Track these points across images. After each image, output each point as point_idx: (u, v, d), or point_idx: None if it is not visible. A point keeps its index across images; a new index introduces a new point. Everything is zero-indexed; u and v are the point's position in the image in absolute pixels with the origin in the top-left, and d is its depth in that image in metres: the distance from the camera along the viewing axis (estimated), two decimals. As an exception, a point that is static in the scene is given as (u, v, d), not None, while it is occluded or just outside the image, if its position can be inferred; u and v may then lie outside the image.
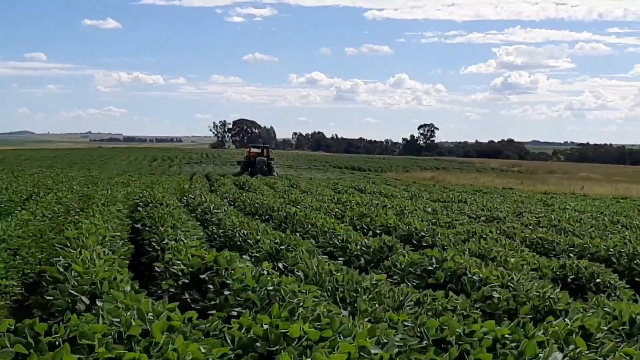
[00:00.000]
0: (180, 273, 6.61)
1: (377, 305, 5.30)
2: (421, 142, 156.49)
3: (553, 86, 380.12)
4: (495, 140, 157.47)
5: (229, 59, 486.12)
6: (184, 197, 20.06)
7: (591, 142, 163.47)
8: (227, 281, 5.94)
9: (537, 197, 30.44)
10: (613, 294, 7.87)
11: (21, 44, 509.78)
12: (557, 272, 8.63)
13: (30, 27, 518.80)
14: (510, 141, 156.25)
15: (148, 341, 3.65)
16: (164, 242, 9.12)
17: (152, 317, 4.04)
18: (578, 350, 4.02)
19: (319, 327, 4.00)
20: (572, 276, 8.45)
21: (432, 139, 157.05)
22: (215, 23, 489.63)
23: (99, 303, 4.57)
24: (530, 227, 15.20)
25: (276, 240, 9.19)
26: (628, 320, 5.20)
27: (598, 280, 8.21)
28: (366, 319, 4.79)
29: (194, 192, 21.62)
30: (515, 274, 7.19)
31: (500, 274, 7.18)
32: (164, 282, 6.73)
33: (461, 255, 8.30)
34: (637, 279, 9.61)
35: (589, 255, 10.54)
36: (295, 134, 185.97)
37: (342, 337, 3.87)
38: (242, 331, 4.04)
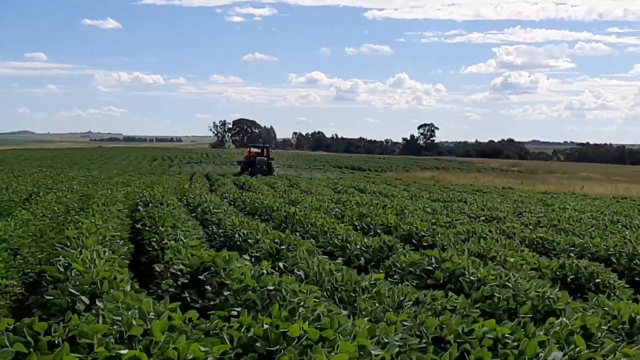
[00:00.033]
0: (179, 273, 6.61)
1: (376, 305, 5.31)
2: (421, 141, 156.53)
3: (553, 86, 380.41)
4: (495, 140, 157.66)
5: (229, 59, 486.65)
6: (184, 197, 20.07)
7: (591, 142, 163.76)
8: (226, 281, 5.94)
9: (537, 197, 30.45)
10: (613, 294, 7.88)
11: (21, 43, 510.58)
12: (557, 272, 8.63)
13: (31, 27, 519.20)
14: (510, 141, 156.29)
15: (148, 340, 3.66)
16: (163, 242, 9.12)
17: (153, 317, 4.05)
18: (578, 349, 4.03)
19: (319, 326, 4.01)
20: (572, 276, 8.45)
21: (432, 138, 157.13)
22: (215, 23, 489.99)
23: (98, 303, 4.57)
24: (530, 226, 15.21)
25: (276, 240, 9.19)
26: (628, 320, 5.20)
27: (598, 280, 8.22)
28: (366, 319, 4.79)
29: (194, 192, 21.63)
30: (514, 274, 7.20)
31: (499, 273, 7.19)
32: (163, 282, 6.73)
33: (460, 255, 8.31)
34: (637, 279, 9.61)
35: (589, 255, 10.55)
36: (295, 133, 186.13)
37: (342, 337, 3.88)
38: (242, 331, 4.04)
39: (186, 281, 6.47)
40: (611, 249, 10.57)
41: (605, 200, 31.49)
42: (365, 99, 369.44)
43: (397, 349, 3.81)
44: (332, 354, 3.56)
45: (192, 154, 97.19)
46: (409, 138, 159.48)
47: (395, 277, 7.99)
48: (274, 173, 48.38)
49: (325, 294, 6.07)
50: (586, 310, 5.58)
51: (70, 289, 5.28)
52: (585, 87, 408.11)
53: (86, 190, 20.31)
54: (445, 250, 9.03)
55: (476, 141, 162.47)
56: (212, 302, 5.74)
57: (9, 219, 10.32)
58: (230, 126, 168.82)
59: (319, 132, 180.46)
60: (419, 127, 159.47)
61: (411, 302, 5.63)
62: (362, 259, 9.46)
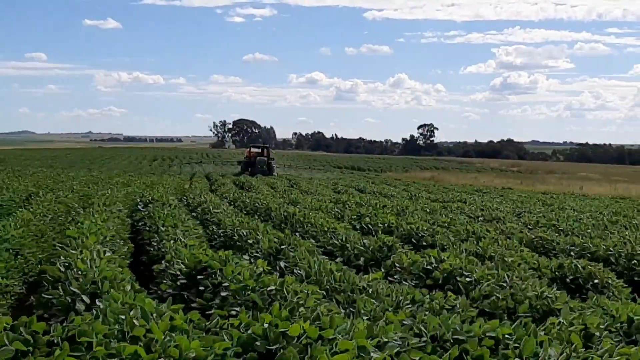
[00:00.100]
0: (178, 273, 6.64)
1: (375, 305, 5.33)
2: (421, 142, 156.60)
3: (552, 86, 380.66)
4: (495, 140, 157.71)
5: (229, 59, 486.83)
6: (184, 197, 20.10)
7: (590, 142, 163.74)
8: (223, 281, 5.95)
9: (537, 197, 30.47)
10: (611, 294, 7.90)
11: (22, 44, 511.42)
12: (556, 272, 8.65)
13: (31, 27, 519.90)
14: (510, 141, 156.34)
15: (150, 337, 3.68)
16: (163, 242, 9.15)
17: (155, 318, 4.07)
18: (574, 346, 4.06)
19: (319, 326, 4.04)
20: (571, 276, 8.47)
21: (431, 139, 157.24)
22: (215, 23, 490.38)
23: (99, 303, 4.60)
24: (530, 227, 15.24)
25: (276, 240, 9.21)
26: (626, 319, 5.23)
27: (596, 280, 8.24)
28: (365, 318, 4.82)
29: (194, 192, 21.65)
30: (512, 274, 7.23)
31: (497, 273, 7.21)
32: (163, 283, 6.75)
33: (459, 255, 8.33)
34: (636, 278, 9.64)
35: (588, 255, 10.58)
36: (295, 134, 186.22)
37: (341, 336, 3.91)
38: (242, 329, 4.07)
39: (185, 281, 6.50)
40: (610, 249, 10.60)
41: (605, 200, 31.51)
42: (365, 99, 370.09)
43: (397, 348, 3.84)
44: (332, 352, 3.59)
45: (192, 154, 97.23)
46: (408, 138, 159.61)
47: (395, 276, 8.01)
48: (274, 173, 48.43)
49: (324, 293, 6.10)
50: (585, 310, 5.61)
51: (71, 289, 5.31)
52: (584, 88, 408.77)
53: (86, 190, 20.34)
54: (444, 250, 9.05)
55: (476, 141, 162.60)
56: (210, 302, 5.76)
57: (10, 219, 10.33)
58: (230, 126, 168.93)
59: (318, 132, 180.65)
60: (419, 128, 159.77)
61: (409, 302, 5.66)
62: (362, 258, 9.48)
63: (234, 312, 5.19)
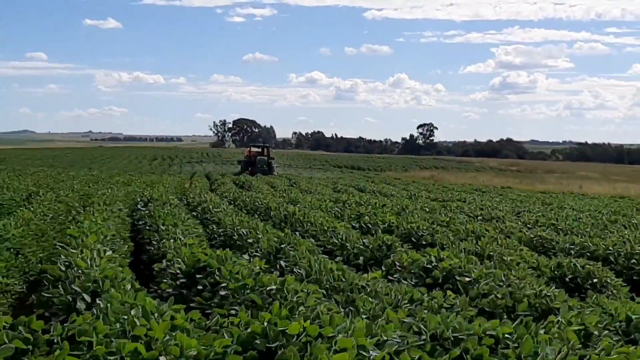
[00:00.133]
0: (178, 272, 6.66)
1: (374, 304, 5.36)
2: (420, 141, 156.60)
3: (552, 86, 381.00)
4: (494, 140, 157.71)
5: (229, 58, 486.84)
6: (185, 197, 20.13)
7: (590, 142, 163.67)
8: (221, 280, 5.96)
9: (536, 197, 30.49)
10: (610, 293, 7.93)
11: (22, 43, 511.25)
12: (555, 271, 8.67)
13: (31, 27, 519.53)
14: (509, 140, 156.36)
15: (150, 336, 3.71)
16: (163, 241, 9.18)
17: (156, 317, 4.10)
18: (571, 344, 4.08)
19: (319, 324, 4.06)
20: (570, 275, 8.50)
21: (431, 138, 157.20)
22: (215, 23, 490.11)
23: (99, 302, 4.62)
24: (529, 226, 15.26)
25: (276, 239, 9.23)
26: (624, 318, 5.25)
27: (595, 279, 8.26)
28: (364, 317, 4.84)
29: (194, 192, 21.69)
30: (510, 273, 7.25)
31: (496, 272, 7.23)
32: (163, 282, 6.77)
33: (458, 254, 8.36)
34: (635, 277, 9.66)
35: (587, 254, 10.60)
36: (295, 133, 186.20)
37: (340, 334, 3.93)
38: (241, 328, 4.09)
39: (185, 280, 6.52)
40: (610, 248, 10.62)
41: (604, 199, 31.53)
42: (364, 98, 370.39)
43: (396, 346, 3.86)
44: (331, 350, 3.62)
45: (192, 153, 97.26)
46: (408, 138, 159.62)
47: (395, 275, 8.03)
48: (274, 172, 48.47)
49: (324, 292, 6.12)
50: (584, 308, 5.63)
51: (71, 288, 5.33)
52: (583, 87, 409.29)
53: (87, 190, 20.36)
54: (444, 249, 9.07)
55: (475, 141, 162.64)
56: (209, 302, 5.78)
57: (10, 218, 10.36)
58: (230, 126, 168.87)
59: (318, 132, 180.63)
60: (418, 127, 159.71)
61: (408, 301, 5.68)
62: (361, 258, 9.50)
63: (233, 312, 5.21)
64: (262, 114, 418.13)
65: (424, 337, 4.24)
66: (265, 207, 16.47)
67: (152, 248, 9.61)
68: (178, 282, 6.53)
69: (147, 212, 13.35)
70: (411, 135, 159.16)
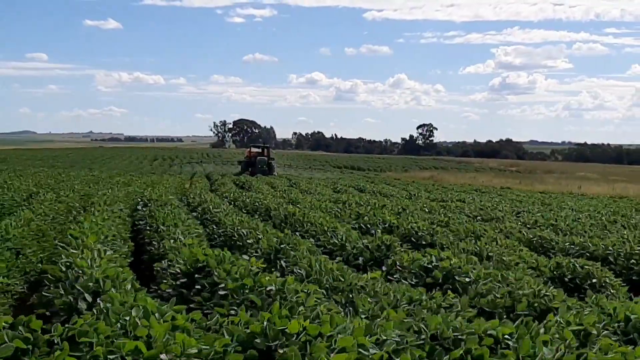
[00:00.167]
0: (178, 272, 6.67)
1: (373, 304, 5.38)
2: (420, 142, 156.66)
3: (551, 86, 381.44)
4: (494, 140, 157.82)
5: (229, 59, 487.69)
6: (185, 197, 20.16)
7: (589, 142, 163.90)
8: (219, 280, 5.98)
9: (535, 197, 30.52)
10: (609, 292, 7.95)
11: (22, 44, 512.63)
12: (555, 271, 8.69)
13: (32, 28, 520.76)
14: (509, 141, 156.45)
15: (152, 334, 3.73)
16: (163, 241, 9.20)
17: (158, 317, 4.12)
18: (567, 342, 4.10)
19: (318, 323, 4.08)
20: (569, 275, 8.52)
21: (430, 138, 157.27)
22: (215, 23, 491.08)
23: (99, 301, 4.64)
24: (529, 226, 15.29)
25: (276, 239, 9.26)
26: (623, 318, 5.27)
27: (594, 279, 8.28)
28: (363, 317, 4.87)
29: (195, 192, 21.70)
30: (510, 272, 7.26)
31: (495, 272, 7.25)
32: (163, 282, 6.79)
33: (458, 254, 8.38)
34: (634, 277, 9.69)
35: (587, 254, 10.62)
36: (295, 133, 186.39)
37: (340, 333, 3.95)
38: (241, 327, 4.11)
39: (184, 280, 6.54)
40: (609, 248, 10.64)
41: (603, 199, 31.56)
42: (364, 99, 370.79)
43: (394, 345, 3.88)
44: (331, 349, 3.64)
45: (192, 153, 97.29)
46: (408, 138, 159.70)
47: (395, 275, 8.05)
48: (274, 173, 48.51)
49: (323, 292, 6.14)
50: (583, 308, 5.65)
51: (72, 288, 5.35)
52: (582, 88, 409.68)
53: (87, 190, 20.39)
54: (444, 250, 9.10)
55: (475, 141, 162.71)
56: (208, 302, 5.80)
57: (11, 219, 10.38)
58: (230, 126, 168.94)
59: (318, 132, 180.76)
60: (418, 127, 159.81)
61: (406, 301, 5.70)
62: (361, 258, 9.52)
63: (232, 312, 5.23)
64: (262, 115, 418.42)
65: (423, 336, 4.26)
66: (266, 208, 16.49)
67: (153, 248, 9.63)
68: (178, 282, 6.55)
69: (147, 212, 13.37)
70: (411, 136, 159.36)
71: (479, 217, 17.44)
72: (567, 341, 4.09)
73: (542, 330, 4.43)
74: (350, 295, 6.01)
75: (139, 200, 16.39)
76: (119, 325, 3.95)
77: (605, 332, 4.93)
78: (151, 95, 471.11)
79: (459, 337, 4.22)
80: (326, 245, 10.58)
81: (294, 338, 3.88)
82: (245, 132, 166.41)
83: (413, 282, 7.58)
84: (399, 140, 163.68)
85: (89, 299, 5.16)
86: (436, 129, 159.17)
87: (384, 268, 8.41)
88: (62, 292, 5.35)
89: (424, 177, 59.10)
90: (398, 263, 8.30)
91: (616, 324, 5.21)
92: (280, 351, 3.76)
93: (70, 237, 7.94)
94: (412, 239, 11.75)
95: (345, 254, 9.86)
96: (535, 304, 6.16)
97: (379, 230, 12.37)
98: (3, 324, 3.86)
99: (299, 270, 7.12)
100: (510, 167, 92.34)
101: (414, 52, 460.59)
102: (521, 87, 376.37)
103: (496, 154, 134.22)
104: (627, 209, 22.97)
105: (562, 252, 10.98)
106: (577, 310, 5.36)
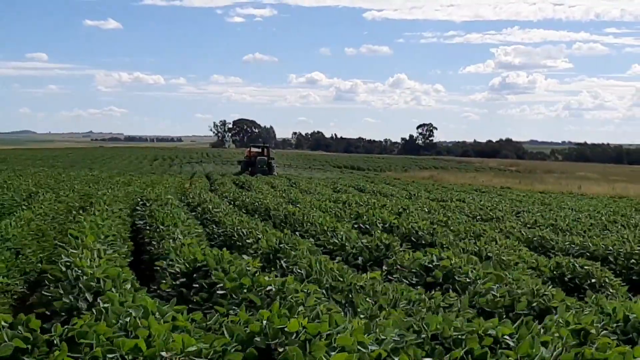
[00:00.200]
0: (178, 272, 6.68)
1: (373, 303, 5.38)
2: (420, 141, 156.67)
3: (551, 86, 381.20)
4: (494, 140, 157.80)
5: (229, 59, 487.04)
6: (185, 197, 20.17)
7: (589, 142, 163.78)
8: (217, 280, 5.98)
9: (535, 197, 30.53)
10: (609, 292, 7.96)
11: (22, 44, 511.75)
12: (554, 271, 8.70)
13: (32, 28, 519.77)
14: (509, 141, 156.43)
15: (151, 334, 3.73)
16: (163, 241, 9.21)
17: (158, 317, 4.12)
18: (565, 340, 4.11)
19: (318, 323, 4.08)
20: (569, 275, 8.52)
21: (430, 138, 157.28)
22: (215, 23, 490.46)
23: (99, 301, 4.64)
24: (529, 226, 15.29)
25: (275, 239, 9.26)
26: (622, 318, 5.27)
27: (594, 279, 8.29)
28: (362, 317, 4.87)
29: (194, 192, 21.72)
30: (509, 272, 7.27)
31: (494, 272, 7.26)
32: (162, 282, 6.80)
33: (458, 254, 8.39)
34: (634, 277, 9.69)
35: (587, 254, 10.62)
36: (295, 133, 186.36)
37: (339, 333, 3.95)
38: (241, 327, 4.11)
39: (184, 280, 6.54)
40: (609, 248, 10.65)
41: (603, 199, 31.57)
42: (364, 99, 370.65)
43: (392, 344, 3.89)
44: (331, 348, 3.65)
45: (192, 153, 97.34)
46: (407, 138, 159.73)
47: (395, 275, 8.06)
48: (274, 172, 48.52)
49: (323, 291, 6.14)
50: (582, 308, 5.65)
51: (72, 288, 5.35)
52: (582, 88, 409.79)
53: (87, 190, 20.39)
54: (444, 249, 9.10)
55: (474, 141, 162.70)
56: (207, 302, 5.80)
57: (11, 218, 10.39)
58: (230, 126, 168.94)
59: (318, 132, 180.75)
60: (418, 127, 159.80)
61: (407, 301, 5.71)
62: (360, 258, 9.52)
63: (232, 312, 5.23)
64: (262, 114, 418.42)
65: (423, 335, 4.26)
66: (265, 207, 16.49)
67: (152, 248, 9.63)
68: (178, 282, 6.55)
69: (147, 212, 13.37)
70: (411, 136, 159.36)
71: (478, 217, 17.45)
72: (564, 339, 4.10)
73: (542, 331, 4.44)
74: (350, 295, 6.02)
75: (139, 200, 16.40)
76: (119, 325, 3.96)
77: (604, 331, 4.94)
78: (151, 95, 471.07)
79: (460, 336, 4.22)
80: (326, 245, 10.58)
81: (294, 337, 3.89)
82: (245, 132, 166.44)
83: (413, 282, 7.58)
84: (399, 140, 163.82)
85: (89, 298, 5.16)
86: (436, 128, 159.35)
87: (384, 268, 8.42)
88: (62, 292, 5.35)
89: (424, 176, 59.12)
90: (398, 262, 8.31)
91: (615, 324, 5.21)
92: (280, 350, 3.76)
93: (70, 236, 7.95)
94: (412, 238, 11.75)
95: (345, 253, 9.86)
96: (535, 304, 6.16)
97: (379, 230, 12.38)
98: (2, 323, 3.86)
99: (298, 270, 7.12)
100: (510, 167, 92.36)
101: (414, 52, 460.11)
102: (521, 86, 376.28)
103: (496, 154, 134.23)
104: (627, 209, 22.98)
105: (562, 252, 10.99)
106: (576, 310, 5.37)
